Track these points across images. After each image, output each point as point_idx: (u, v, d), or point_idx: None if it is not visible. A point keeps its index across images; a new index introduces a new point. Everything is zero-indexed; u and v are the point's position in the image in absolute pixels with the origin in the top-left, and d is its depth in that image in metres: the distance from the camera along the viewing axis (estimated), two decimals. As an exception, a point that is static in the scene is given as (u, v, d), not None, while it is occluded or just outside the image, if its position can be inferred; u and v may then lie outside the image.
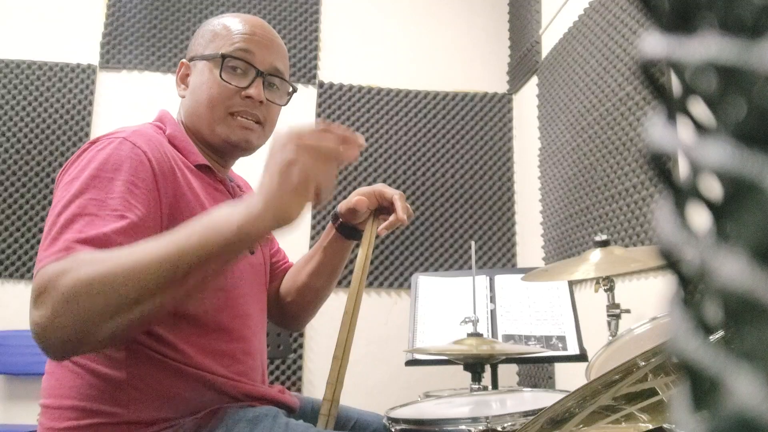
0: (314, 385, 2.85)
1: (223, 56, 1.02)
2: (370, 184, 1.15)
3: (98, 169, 0.85)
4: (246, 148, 1.06)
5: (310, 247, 2.97)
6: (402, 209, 1.05)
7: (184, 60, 1.09)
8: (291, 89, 1.12)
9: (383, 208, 1.12)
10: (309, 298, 1.21)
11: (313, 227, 3.01)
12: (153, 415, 0.87)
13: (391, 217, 1.09)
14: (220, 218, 0.73)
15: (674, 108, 0.17)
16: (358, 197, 1.10)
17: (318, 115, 3.11)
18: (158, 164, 0.90)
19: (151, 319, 0.78)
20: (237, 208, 0.73)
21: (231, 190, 1.08)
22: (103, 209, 0.81)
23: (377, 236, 1.14)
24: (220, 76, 1.01)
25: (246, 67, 1.03)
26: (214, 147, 1.05)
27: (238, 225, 0.71)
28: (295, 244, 2.97)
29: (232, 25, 1.06)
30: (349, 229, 1.15)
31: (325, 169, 0.74)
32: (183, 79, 1.08)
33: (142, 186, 0.86)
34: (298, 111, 3.06)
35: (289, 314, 1.22)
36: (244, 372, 0.98)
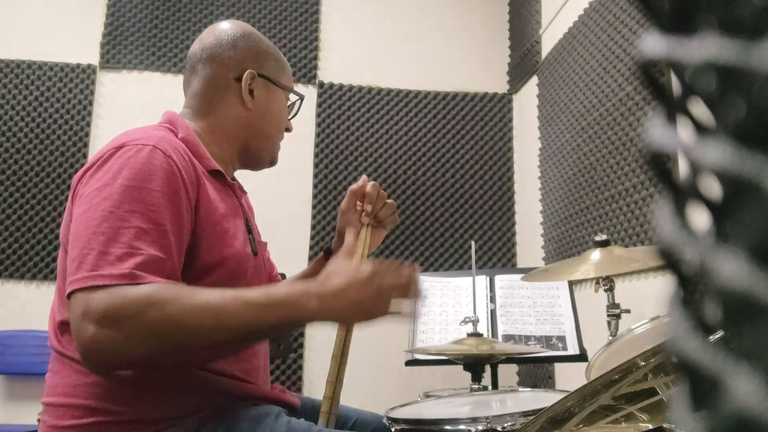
0: (314, 385, 2.85)
1: (301, 97, 1.19)
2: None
3: (133, 179, 0.85)
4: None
5: (309, 258, 2.97)
6: (371, 187, 1.19)
7: (252, 71, 1.09)
8: None
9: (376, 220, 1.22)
10: None
11: (312, 237, 3.00)
12: (156, 414, 0.87)
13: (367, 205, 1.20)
14: (300, 302, 0.84)
15: (674, 108, 0.17)
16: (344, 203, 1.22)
17: (318, 114, 3.11)
18: (186, 173, 0.91)
19: (222, 356, 0.92)
20: (315, 301, 0.84)
21: (238, 195, 1.10)
22: (147, 222, 0.83)
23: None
24: (293, 112, 1.19)
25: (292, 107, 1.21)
26: (256, 161, 1.15)
27: (313, 312, 0.84)
28: (295, 257, 2.97)
29: (282, 55, 1.18)
30: None
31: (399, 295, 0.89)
32: (250, 91, 1.10)
33: (176, 197, 0.88)
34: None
35: None
36: (249, 371, 0.98)
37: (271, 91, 1.12)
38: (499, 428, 0.86)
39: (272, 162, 1.18)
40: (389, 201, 1.21)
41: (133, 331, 0.77)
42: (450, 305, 1.87)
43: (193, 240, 0.91)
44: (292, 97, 1.19)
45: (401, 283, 0.88)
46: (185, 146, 0.98)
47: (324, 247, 1.27)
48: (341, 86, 3.16)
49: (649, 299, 1.73)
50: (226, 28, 1.13)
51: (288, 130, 1.19)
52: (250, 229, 1.09)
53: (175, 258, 0.85)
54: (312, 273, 1.22)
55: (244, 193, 1.17)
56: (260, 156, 1.15)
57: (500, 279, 1.90)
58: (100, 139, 2.95)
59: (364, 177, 1.22)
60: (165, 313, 0.77)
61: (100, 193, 0.84)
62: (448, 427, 0.91)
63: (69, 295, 0.80)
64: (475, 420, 0.89)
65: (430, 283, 1.95)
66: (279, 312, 0.82)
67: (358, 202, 1.19)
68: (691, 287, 0.17)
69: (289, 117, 1.19)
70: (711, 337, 0.16)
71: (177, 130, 1.02)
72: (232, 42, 1.10)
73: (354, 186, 1.20)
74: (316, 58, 3.18)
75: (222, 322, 0.80)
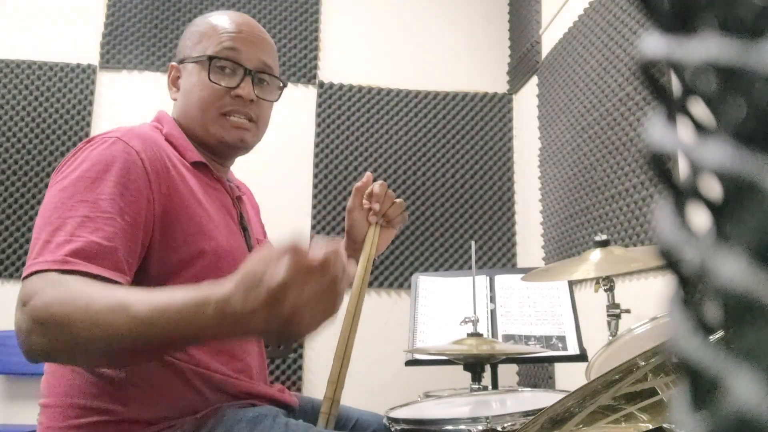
0: (314, 385, 2.85)
1: (210, 58, 1.02)
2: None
3: (88, 170, 0.85)
4: (241, 147, 1.07)
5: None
6: (378, 186, 1.14)
7: (173, 63, 1.10)
8: (281, 84, 1.13)
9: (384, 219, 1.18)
10: None
11: (312, 237, 3.01)
12: (153, 414, 0.87)
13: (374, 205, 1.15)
14: (196, 314, 0.66)
15: (674, 108, 0.17)
16: (351, 201, 1.17)
17: (318, 114, 3.11)
18: (150, 163, 0.90)
19: (121, 365, 0.83)
20: (212, 305, 0.65)
21: (229, 190, 1.09)
22: (94, 210, 0.82)
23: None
24: (209, 77, 1.02)
25: (234, 66, 1.03)
26: (211, 147, 1.06)
27: (212, 319, 0.65)
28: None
29: (218, 24, 1.06)
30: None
31: (326, 303, 0.64)
32: (174, 82, 1.09)
33: (133, 186, 0.86)
34: (298, 111, 3.06)
35: None
36: (243, 369, 0.98)
37: (188, 70, 1.06)
38: (499, 428, 0.86)
39: (222, 143, 1.04)
40: (398, 200, 1.17)
41: (32, 322, 0.72)
42: (450, 305, 1.87)
43: (169, 232, 0.90)
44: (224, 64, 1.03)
45: (333, 289, 0.64)
46: (169, 140, 1.00)
47: None
48: (341, 86, 3.16)
49: (649, 299, 1.73)
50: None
51: (240, 97, 1.02)
52: (245, 226, 1.08)
53: (119, 246, 0.82)
54: None
55: (242, 192, 1.17)
56: (207, 142, 1.05)
57: (500, 279, 1.90)
58: (100, 139, 2.95)
59: (368, 174, 1.18)
60: (55, 310, 0.71)
61: (58, 185, 0.85)
62: (448, 427, 0.91)
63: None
64: (475, 420, 0.89)
65: (430, 283, 1.95)
66: (167, 328, 0.67)
67: (365, 201, 1.16)
68: (691, 287, 0.17)
69: (220, 83, 1.02)
70: (711, 337, 0.16)
71: (162, 126, 1.03)
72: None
73: (359, 183, 1.17)
74: (316, 58, 3.18)
75: (98, 334, 0.69)
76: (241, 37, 1.05)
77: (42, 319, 0.72)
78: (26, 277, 0.77)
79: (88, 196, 0.83)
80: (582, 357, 1.68)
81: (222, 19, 1.07)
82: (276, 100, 1.12)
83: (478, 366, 1.27)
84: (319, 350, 2.90)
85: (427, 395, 1.65)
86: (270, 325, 0.62)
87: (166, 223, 0.90)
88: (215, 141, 1.04)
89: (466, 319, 1.34)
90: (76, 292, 0.73)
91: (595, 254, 1.35)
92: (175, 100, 1.08)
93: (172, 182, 0.93)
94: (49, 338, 0.71)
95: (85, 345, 0.71)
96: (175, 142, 1.01)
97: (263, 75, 1.07)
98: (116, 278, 0.79)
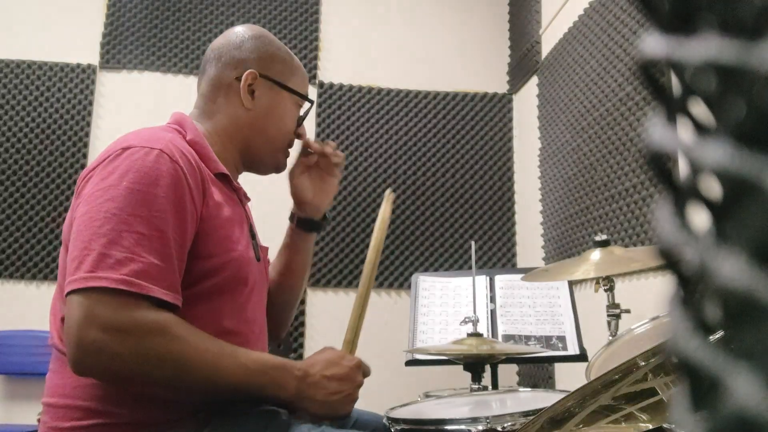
0: (314, 385, 2.85)
1: (310, 102, 1.16)
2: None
3: (139, 182, 0.85)
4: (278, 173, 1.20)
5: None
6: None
7: (253, 70, 1.08)
8: None
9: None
10: (284, 297, 1.25)
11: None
12: (156, 416, 0.87)
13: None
14: (280, 386, 0.90)
15: (674, 108, 0.17)
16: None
17: (318, 114, 3.11)
18: (192, 179, 0.91)
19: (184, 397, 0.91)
20: (292, 387, 0.91)
21: (242, 200, 1.10)
22: (149, 228, 0.83)
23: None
24: (300, 117, 1.15)
25: (302, 112, 1.18)
26: (258, 164, 1.14)
27: (286, 397, 0.91)
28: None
29: (296, 61, 1.16)
30: (306, 222, 1.26)
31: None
32: (250, 91, 1.08)
33: (180, 204, 0.87)
34: (298, 111, 3.06)
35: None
36: None
37: (276, 93, 1.11)
38: (499, 428, 0.86)
39: (278, 168, 1.17)
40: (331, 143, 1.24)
41: (136, 349, 0.79)
42: (450, 305, 1.87)
43: (196, 243, 0.91)
44: (306, 104, 1.17)
45: (360, 383, 0.97)
46: (193, 148, 0.98)
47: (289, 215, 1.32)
48: (341, 86, 3.15)
49: (649, 299, 1.73)
50: (237, 30, 1.14)
51: (300, 136, 1.17)
52: (253, 234, 1.09)
53: (175, 266, 0.85)
54: (285, 245, 1.27)
55: (248, 199, 1.18)
56: (262, 159, 1.13)
57: (500, 279, 1.90)
58: (100, 139, 2.95)
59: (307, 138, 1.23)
60: (169, 347, 0.82)
61: (104, 194, 0.84)
62: (448, 427, 0.91)
63: (67, 294, 0.80)
64: (475, 420, 0.89)
65: (430, 283, 1.95)
66: (263, 381, 0.88)
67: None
68: (691, 287, 0.17)
69: (300, 122, 1.16)
70: (711, 337, 0.16)
71: (185, 131, 1.01)
72: (239, 43, 1.10)
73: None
74: (316, 58, 3.18)
75: (213, 374, 0.84)
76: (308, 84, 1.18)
77: (154, 352, 0.81)
78: (86, 289, 0.79)
79: (142, 211, 0.84)
80: (582, 357, 1.68)
81: (294, 56, 1.16)
82: None
83: (478, 366, 1.27)
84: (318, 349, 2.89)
85: (427, 395, 1.65)
86: (335, 395, 0.93)
87: (198, 235, 0.91)
88: (273, 164, 1.15)
89: (466, 319, 1.34)
90: (187, 335, 0.84)
91: (595, 254, 1.35)
92: (248, 109, 1.08)
93: (205, 197, 0.94)
94: (151, 369, 0.82)
95: (186, 380, 0.84)
96: (199, 150, 0.99)
97: None
98: (175, 301, 0.85)
